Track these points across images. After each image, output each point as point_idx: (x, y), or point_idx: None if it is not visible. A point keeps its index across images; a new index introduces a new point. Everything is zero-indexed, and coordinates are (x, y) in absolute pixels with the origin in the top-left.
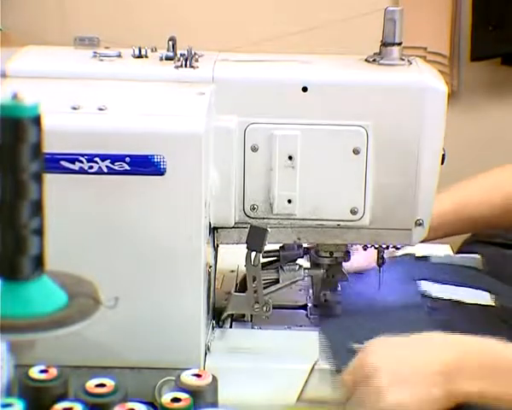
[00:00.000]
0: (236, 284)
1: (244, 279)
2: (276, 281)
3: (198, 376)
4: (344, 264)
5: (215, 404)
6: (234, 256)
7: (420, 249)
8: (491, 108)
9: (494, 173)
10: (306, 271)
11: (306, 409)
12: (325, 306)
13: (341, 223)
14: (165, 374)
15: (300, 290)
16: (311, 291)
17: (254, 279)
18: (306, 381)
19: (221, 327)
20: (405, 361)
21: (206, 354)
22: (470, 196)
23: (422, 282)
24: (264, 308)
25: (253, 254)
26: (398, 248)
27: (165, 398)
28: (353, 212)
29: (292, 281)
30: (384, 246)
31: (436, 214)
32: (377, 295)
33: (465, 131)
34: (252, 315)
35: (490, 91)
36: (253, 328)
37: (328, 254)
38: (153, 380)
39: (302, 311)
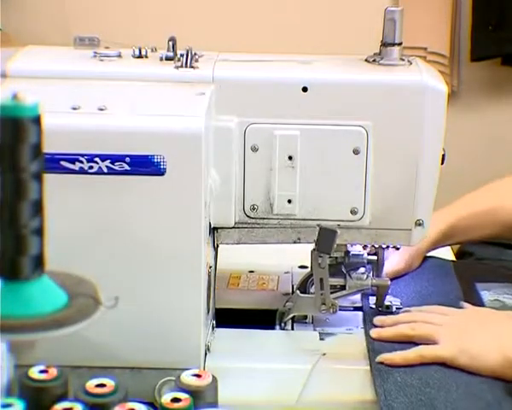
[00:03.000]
0: (292, 286)
1: (305, 281)
2: (343, 288)
3: (198, 376)
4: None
5: (215, 404)
6: (235, 256)
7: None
8: (491, 108)
9: None
10: (374, 280)
11: (306, 409)
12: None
13: (341, 223)
14: (165, 374)
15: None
16: (372, 300)
17: (321, 281)
18: (306, 381)
19: (283, 329)
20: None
21: (206, 354)
22: (502, 199)
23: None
24: (331, 310)
25: (321, 255)
26: (397, 249)
27: (165, 398)
28: (353, 212)
29: (358, 289)
30: (384, 246)
31: (468, 215)
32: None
33: (465, 131)
34: (313, 316)
35: (490, 91)
36: (314, 330)
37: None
38: (153, 380)
39: (360, 312)
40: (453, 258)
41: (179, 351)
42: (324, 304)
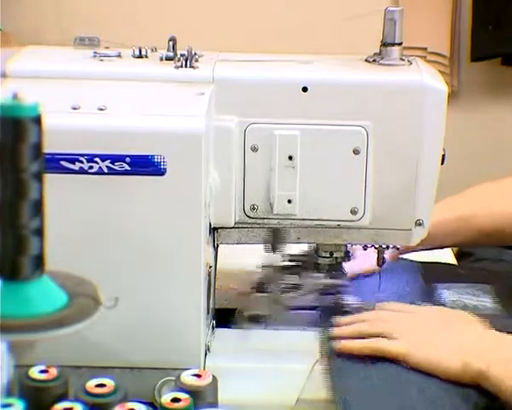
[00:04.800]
0: (252, 285)
1: (261, 280)
2: (297, 287)
3: (198, 376)
4: (347, 266)
5: (215, 404)
6: (234, 256)
7: (421, 252)
8: (491, 108)
9: (499, 185)
10: (329, 280)
11: (306, 409)
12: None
13: (341, 223)
14: (165, 374)
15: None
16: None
17: (272, 280)
18: (306, 381)
19: (238, 328)
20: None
21: (206, 354)
22: (476, 206)
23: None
24: (281, 309)
25: (271, 255)
26: (398, 249)
27: (165, 398)
28: (353, 212)
29: (313, 289)
30: (384, 246)
31: (439, 222)
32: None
33: (465, 131)
34: (266, 316)
35: (490, 91)
36: (267, 328)
37: (328, 255)
38: (153, 380)
39: (315, 312)
40: (453, 258)
41: (179, 351)
42: (275, 303)
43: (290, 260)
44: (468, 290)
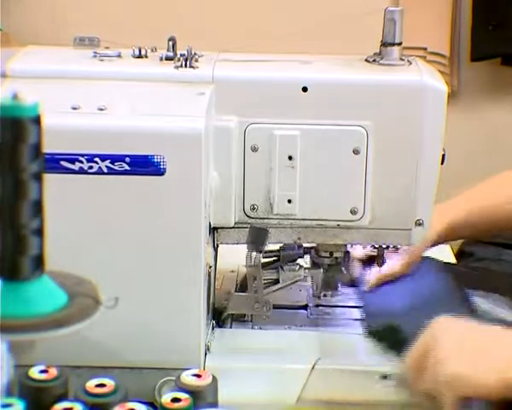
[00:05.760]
0: (236, 284)
1: (244, 279)
2: (276, 281)
3: (198, 376)
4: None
5: (215, 404)
6: (234, 256)
7: None
8: (491, 108)
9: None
10: (306, 271)
11: (306, 409)
12: (325, 305)
13: (341, 223)
14: (165, 374)
15: (300, 290)
16: (311, 291)
17: (255, 279)
18: (306, 381)
19: (221, 327)
20: (472, 339)
21: (206, 354)
22: (493, 197)
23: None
24: (265, 308)
25: (253, 254)
26: (397, 249)
27: (165, 398)
28: (353, 212)
29: (292, 281)
30: (384, 246)
31: (464, 213)
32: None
33: (465, 131)
34: (252, 315)
35: (490, 91)
36: (253, 328)
37: (328, 255)
38: (153, 380)
39: (302, 311)
40: (453, 258)
41: (179, 351)
42: (258, 302)
43: (269, 256)
44: (503, 304)
